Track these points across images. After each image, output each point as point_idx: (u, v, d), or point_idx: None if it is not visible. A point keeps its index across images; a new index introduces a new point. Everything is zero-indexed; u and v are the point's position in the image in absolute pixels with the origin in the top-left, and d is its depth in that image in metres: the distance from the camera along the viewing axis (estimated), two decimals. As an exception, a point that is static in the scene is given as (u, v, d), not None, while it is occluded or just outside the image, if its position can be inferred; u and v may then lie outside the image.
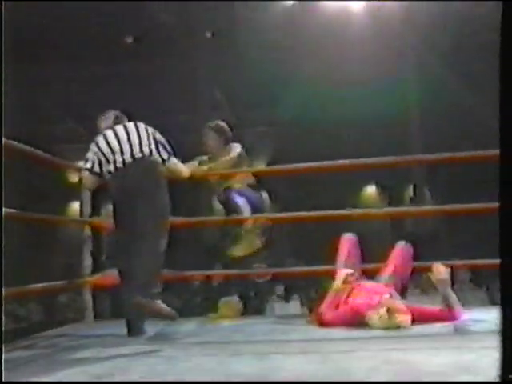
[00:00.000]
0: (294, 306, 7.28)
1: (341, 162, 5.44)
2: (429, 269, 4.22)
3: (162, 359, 3.21)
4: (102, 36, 11.19)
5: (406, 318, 3.76)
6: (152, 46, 11.29)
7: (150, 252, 3.91)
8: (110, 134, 4.22)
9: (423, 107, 11.69)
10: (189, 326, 4.49)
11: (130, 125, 4.29)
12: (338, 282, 4.19)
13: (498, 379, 1.47)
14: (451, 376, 2.47)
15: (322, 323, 4.04)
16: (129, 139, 4.16)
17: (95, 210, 5.39)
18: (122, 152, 4.12)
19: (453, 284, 5.98)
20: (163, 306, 3.77)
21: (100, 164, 4.19)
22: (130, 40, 11.69)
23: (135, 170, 4.08)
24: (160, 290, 3.88)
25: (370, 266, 4.70)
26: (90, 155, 4.25)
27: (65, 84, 12.10)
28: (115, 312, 7.14)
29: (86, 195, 5.17)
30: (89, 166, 4.24)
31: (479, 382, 2.37)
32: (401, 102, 11.49)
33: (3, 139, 3.35)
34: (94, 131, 4.47)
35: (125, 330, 4.04)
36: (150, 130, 4.27)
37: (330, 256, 4.59)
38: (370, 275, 4.45)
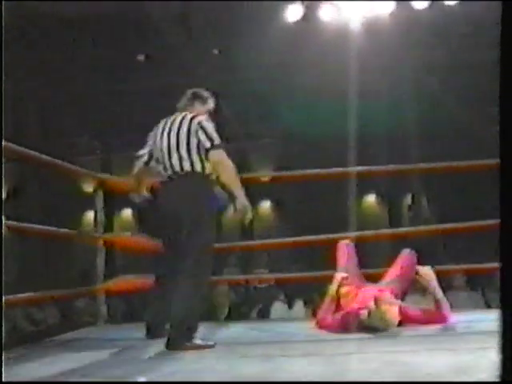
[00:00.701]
0: (298, 310, 7.25)
1: (341, 169, 5.49)
2: (417, 272, 4.24)
3: (173, 361, 3.21)
4: (116, 54, 11.25)
5: (393, 311, 3.73)
6: (163, 63, 11.32)
7: (193, 288, 3.59)
8: (159, 129, 3.89)
9: (422, 120, 11.69)
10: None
11: (177, 119, 3.85)
12: (333, 287, 4.19)
13: (497, 379, 1.45)
14: (452, 377, 2.47)
15: (321, 327, 4.03)
16: (169, 144, 3.78)
17: (109, 218, 5.41)
18: (163, 161, 3.79)
19: (449, 288, 5.97)
20: (202, 342, 3.55)
21: (150, 155, 3.96)
22: (141, 58, 11.73)
23: (176, 189, 3.76)
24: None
25: (373, 271, 4.69)
26: (147, 143, 4.01)
27: (80, 99, 12.13)
28: (127, 316, 7.15)
29: (100, 204, 5.18)
30: (139, 154, 4.04)
31: (479, 382, 2.35)
32: (400, 115, 11.51)
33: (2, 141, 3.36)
34: (108, 144, 4.50)
35: (137, 333, 4.03)
36: (194, 124, 3.78)
37: (331, 261, 4.58)
38: (373, 280, 4.43)
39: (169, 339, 3.49)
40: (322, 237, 5.51)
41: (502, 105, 1.47)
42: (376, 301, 3.73)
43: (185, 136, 3.74)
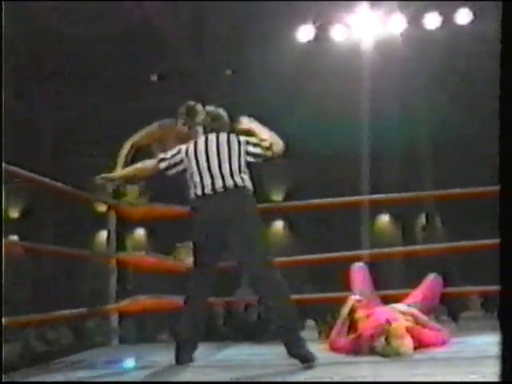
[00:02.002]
0: (309, 331, 7.20)
1: (356, 198, 5.49)
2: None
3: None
4: (130, 74, 11.33)
5: (406, 343, 3.68)
6: (176, 84, 11.38)
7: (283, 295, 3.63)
8: (201, 145, 3.87)
9: (434, 142, 11.68)
10: (210, 350, 4.45)
11: (222, 137, 3.86)
12: (345, 310, 4.15)
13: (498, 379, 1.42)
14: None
15: (333, 350, 4.00)
16: (219, 160, 3.77)
17: (121, 240, 5.41)
18: (211, 177, 3.74)
19: (464, 309, 5.91)
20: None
21: (175, 165, 3.91)
22: (155, 78, 11.81)
23: (228, 203, 3.70)
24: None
25: (395, 292, 4.64)
26: (174, 152, 3.95)
27: (93, 119, 12.21)
28: (140, 337, 7.12)
29: (113, 224, 5.18)
30: (162, 155, 4.00)
31: (479, 382, 2.32)
32: (412, 136, 11.51)
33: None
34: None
35: (148, 355, 4.01)
36: (242, 141, 3.85)
37: (343, 283, 4.55)
38: (393, 301, 4.37)
39: (302, 353, 3.49)
40: (336, 254, 5.50)
41: (502, 105, 1.44)
42: (386, 337, 3.67)
43: (236, 151, 3.80)
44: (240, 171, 3.75)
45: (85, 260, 10.19)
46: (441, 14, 9.96)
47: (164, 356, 3.97)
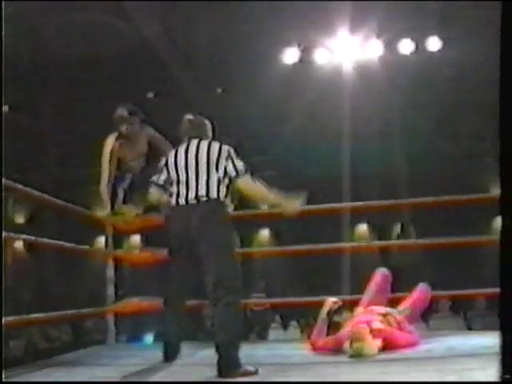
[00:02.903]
0: (293, 332, 7.20)
1: (339, 204, 5.53)
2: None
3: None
4: (128, 92, 11.33)
5: (367, 345, 3.66)
6: (170, 101, 11.39)
7: (232, 312, 3.36)
8: (181, 153, 3.66)
9: (410, 158, 11.76)
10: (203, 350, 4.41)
11: (203, 145, 3.64)
12: (324, 311, 4.15)
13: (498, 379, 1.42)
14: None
15: (314, 349, 4.00)
16: (197, 169, 3.55)
17: (118, 244, 5.41)
18: (186, 188, 3.55)
19: (434, 312, 5.92)
20: (250, 368, 3.30)
21: (165, 179, 3.70)
22: (151, 95, 11.81)
23: (197, 214, 3.48)
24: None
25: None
26: (158, 171, 3.77)
27: (92, 133, 12.20)
28: (135, 336, 7.10)
29: (110, 230, 5.18)
30: (154, 179, 3.78)
31: (479, 382, 2.32)
32: (389, 154, 11.61)
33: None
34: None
35: (141, 352, 3.99)
36: (224, 151, 3.60)
37: (328, 286, 4.57)
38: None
39: (220, 368, 3.23)
40: (319, 246, 5.55)
41: (502, 107, 1.44)
42: (351, 341, 3.67)
43: (215, 162, 3.55)
44: (217, 182, 3.53)
45: (85, 259, 10.17)
46: (413, 40, 10.06)
47: (155, 353, 3.96)
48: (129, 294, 5.39)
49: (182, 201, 3.55)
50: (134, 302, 5.03)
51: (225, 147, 3.62)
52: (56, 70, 11.74)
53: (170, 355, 3.68)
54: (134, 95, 11.49)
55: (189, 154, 3.61)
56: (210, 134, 3.84)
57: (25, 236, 4.13)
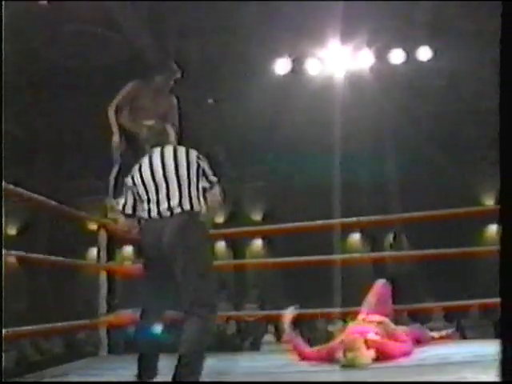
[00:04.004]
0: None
1: (329, 221, 5.58)
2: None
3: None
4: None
5: (361, 355, 3.65)
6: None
7: (203, 323, 3.18)
8: (145, 166, 3.38)
9: (401, 168, 11.81)
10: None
11: (168, 152, 3.37)
12: (284, 326, 4.16)
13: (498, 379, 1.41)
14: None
15: (304, 359, 3.97)
16: (166, 179, 3.30)
17: (111, 255, 5.39)
18: (157, 200, 3.30)
19: (427, 321, 5.92)
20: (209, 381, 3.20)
21: (134, 203, 3.42)
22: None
23: (170, 228, 3.25)
24: None
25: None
26: (124, 191, 3.49)
27: (85, 145, 12.20)
28: (128, 348, 7.05)
29: (103, 241, 5.17)
30: (120, 206, 3.48)
31: (479, 382, 2.31)
32: (381, 163, 11.65)
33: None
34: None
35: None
36: (193, 157, 3.36)
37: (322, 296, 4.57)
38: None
39: (175, 375, 3.07)
40: (309, 258, 5.55)
41: (502, 108, 1.43)
42: (344, 351, 3.66)
43: (185, 171, 3.30)
44: (188, 191, 3.28)
45: (77, 271, 10.13)
46: (404, 50, 10.12)
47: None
48: (121, 305, 5.37)
49: (154, 214, 3.31)
50: (126, 314, 5.02)
51: (192, 152, 3.37)
52: (46, 81, 11.72)
53: (145, 370, 3.34)
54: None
55: (154, 166, 3.34)
56: (172, 139, 3.56)
57: (17, 253, 4.10)
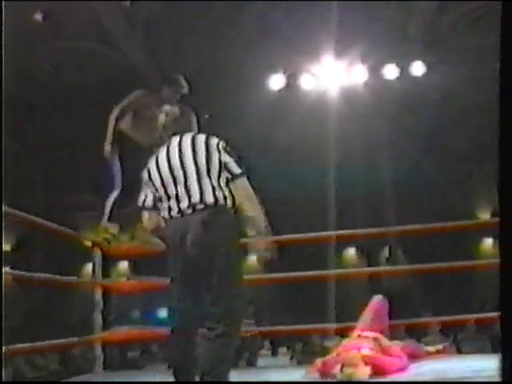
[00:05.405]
0: (283, 358, 7.15)
1: (324, 233, 5.56)
2: None
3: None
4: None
5: (359, 371, 3.62)
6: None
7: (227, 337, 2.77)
8: (162, 158, 3.00)
9: (395, 182, 11.83)
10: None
11: (186, 141, 2.98)
12: None
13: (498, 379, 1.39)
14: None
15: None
16: (184, 172, 2.90)
17: (106, 272, 5.36)
18: (177, 196, 2.90)
19: (424, 335, 5.90)
20: None
21: (154, 197, 3.02)
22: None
23: (193, 226, 2.83)
24: None
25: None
26: (142, 187, 3.10)
27: (81, 160, 12.21)
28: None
29: (98, 257, 5.14)
30: (140, 201, 3.10)
31: (479, 382, 2.28)
32: (375, 177, 11.68)
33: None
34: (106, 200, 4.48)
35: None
36: (213, 144, 2.95)
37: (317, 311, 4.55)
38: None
39: None
40: (306, 273, 5.55)
41: (502, 110, 1.41)
42: (342, 366, 3.63)
43: (204, 161, 2.90)
44: (210, 184, 2.88)
45: (72, 289, 10.09)
46: (398, 65, 10.17)
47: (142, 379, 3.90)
48: (117, 321, 5.34)
49: (174, 213, 2.92)
50: (122, 331, 4.99)
51: (213, 140, 2.97)
52: (41, 97, 11.75)
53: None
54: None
55: (171, 157, 2.97)
56: (194, 126, 3.22)
57: (12, 271, 4.08)
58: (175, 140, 3.01)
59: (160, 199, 2.98)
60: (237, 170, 2.93)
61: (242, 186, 2.93)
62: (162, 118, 3.19)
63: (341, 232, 5.96)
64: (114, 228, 4.64)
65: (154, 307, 8.67)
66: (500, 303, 1.40)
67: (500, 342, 1.45)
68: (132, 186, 3.52)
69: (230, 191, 2.92)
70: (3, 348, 3.18)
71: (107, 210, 4.78)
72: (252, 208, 2.95)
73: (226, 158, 2.93)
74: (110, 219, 4.69)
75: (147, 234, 3.27)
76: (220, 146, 2.95)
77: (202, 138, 2.98)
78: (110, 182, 4.77)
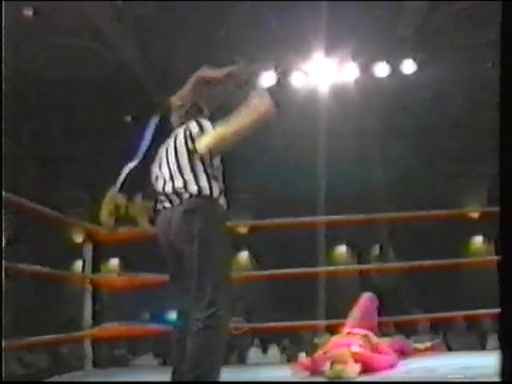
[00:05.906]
0: (273, 354, 7.16)
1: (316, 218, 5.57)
2: None
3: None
4: (105, 116, 11.33)
5: (348, 368, 3.63)
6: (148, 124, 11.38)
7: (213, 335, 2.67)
8: (162, 150, 2.98)
9: (386, 180, 11.86)
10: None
11: (180, 130, 2.93)
12: None
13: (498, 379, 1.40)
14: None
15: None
16: (167, 162, 2.87)
17: (96, 267, 5.35)
18: (163, 187, 2.85)
19: (413, 333, 5.92)
20: None
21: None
22: (129, 119, 11.79)
23: (177, 217, 2.77)
24: None
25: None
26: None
27: (71, 158, 12.17)
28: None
29: (88, 253, 5.13)
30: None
31: (479, 382, 2.29)
32: (366, 176, 11.70)
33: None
34: (97, 198, 4.44)
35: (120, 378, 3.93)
36: (191, 127, 2.89)
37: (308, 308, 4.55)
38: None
39: None
40: (295, 270, 5.57)
41: (503, 111, 1.41)
42: (332, 362, 3.64)
43: (184, 147, 2.84)
44: (190, 168, 2.81)
45: (62, 284, 10.06)
46: (388, 63, 10.18)
47: (135, 378, 3.90)
48: (107, 318, 5.32)
49: (159, 206, 2.88)
50: (112, 327, 4.97)
51: (192, 123, 2.90)
52: (33, 93, 11.70)
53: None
54: (112, 119, 11.50)
55: (168, 147, 2.94)
56: (202, 113, 3.12)
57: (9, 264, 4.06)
58: (179, 130, 2.97)
59: (154, 190, 2.93)
60: (209, 126, 2.88)
61: (206, 135, 2.84)
62: (176, 110, 3.05)
63: (330, 217, 5.95)
64: (121, 199, 4.21)
65: (154, 307, 8.61)
66: (500, 303, 1.40)
67: (499, 341, 1.46)
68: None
69: (217, 181, 2.86)
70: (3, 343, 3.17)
71: (120, 178, 4.22)
72: (229, 135, 2.99)
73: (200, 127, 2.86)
74: (120, 190, 4.17)
75: (141, 212, 3.12)
76: (199, 122, 2.89)
77: (193, 122, 2.92)
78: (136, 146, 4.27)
